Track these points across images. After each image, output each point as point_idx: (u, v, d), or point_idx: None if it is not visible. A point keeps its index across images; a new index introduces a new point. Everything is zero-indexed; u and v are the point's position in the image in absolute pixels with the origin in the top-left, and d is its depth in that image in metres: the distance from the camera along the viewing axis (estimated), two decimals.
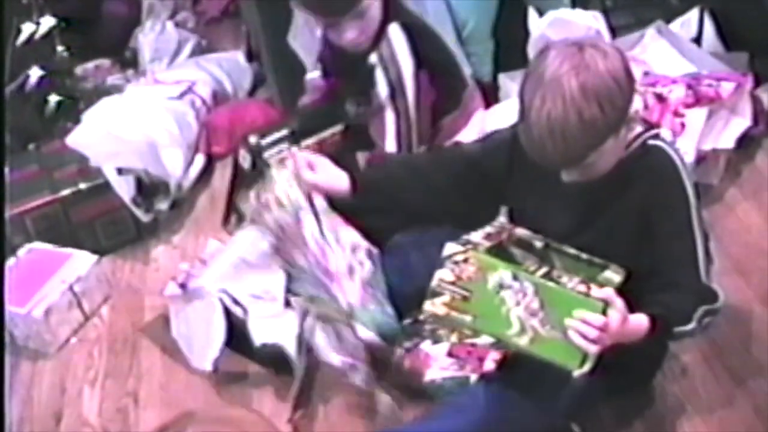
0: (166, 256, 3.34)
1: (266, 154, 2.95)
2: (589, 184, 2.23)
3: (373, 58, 2.83)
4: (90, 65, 4.39)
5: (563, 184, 2.24)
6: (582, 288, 2.05)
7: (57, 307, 2.99)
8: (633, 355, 2.15)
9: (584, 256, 2.27)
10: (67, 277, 3.07)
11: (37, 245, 3.22)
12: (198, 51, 4.49)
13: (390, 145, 2.88)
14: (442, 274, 2.17)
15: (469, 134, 2.97)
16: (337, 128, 3.11)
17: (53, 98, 3.94)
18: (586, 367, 2.01)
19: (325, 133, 3.07)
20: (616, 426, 2.48)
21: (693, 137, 3.19)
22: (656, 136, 2.24)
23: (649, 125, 2.28)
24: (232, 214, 3.17)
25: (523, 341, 2.07)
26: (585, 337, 1.97)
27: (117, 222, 3.39)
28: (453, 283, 2.15)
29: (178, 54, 4.44)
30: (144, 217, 3.43)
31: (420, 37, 2.85)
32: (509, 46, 3.75)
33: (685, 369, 2.63)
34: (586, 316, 1.97)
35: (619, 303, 2.00)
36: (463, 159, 2.55)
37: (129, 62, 4.48)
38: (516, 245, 2.36)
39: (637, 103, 3.21)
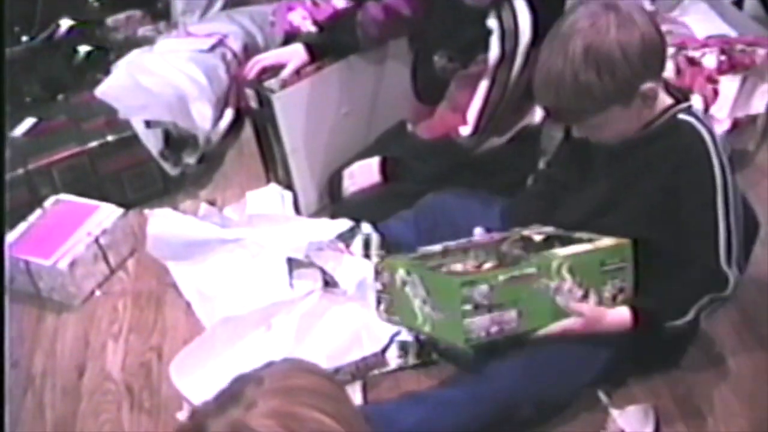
0: (193, 211, 3.31)
1: (266, 84, 3.01)
2: (614, 153, 2.24)
3: (492, 22, 2.67)
4: (121, 16, 4.35)
5: (594, 156, 2.29)
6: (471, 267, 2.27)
7: (82, 259, 2.98)
8: (662, 337, 2.15)
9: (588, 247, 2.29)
10: (93, 229, 3.05)
11: (64, 197, 3.21)
12: (230, 4, 4.45)
13: (473, 111, 2.78)
14: (376, 286, 2.38)
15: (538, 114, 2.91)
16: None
17: (83, 48, 3.91)
18: (470, 342, 2.11)
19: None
20: (644, 395, 2.45)
21: (726, 104, 3.15)
22: (688, 110, 2.20)
23: (680, 97, 2.23)
24: (270, 168, 3.24)
25: (427, 328, 2.21)
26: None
27: (144, 175, 3.38)
28: (383, 292, 2.34)
29: (210, 7, 4.40)
30: (171, 170, 3.42)
31: (539, 10, 2.67)
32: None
33: (715, 339, 2.60)
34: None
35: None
36: None
37: (161, 14, 4.44)
38: (514, 245, 2.43)
39: (668, 69, 3.19)
